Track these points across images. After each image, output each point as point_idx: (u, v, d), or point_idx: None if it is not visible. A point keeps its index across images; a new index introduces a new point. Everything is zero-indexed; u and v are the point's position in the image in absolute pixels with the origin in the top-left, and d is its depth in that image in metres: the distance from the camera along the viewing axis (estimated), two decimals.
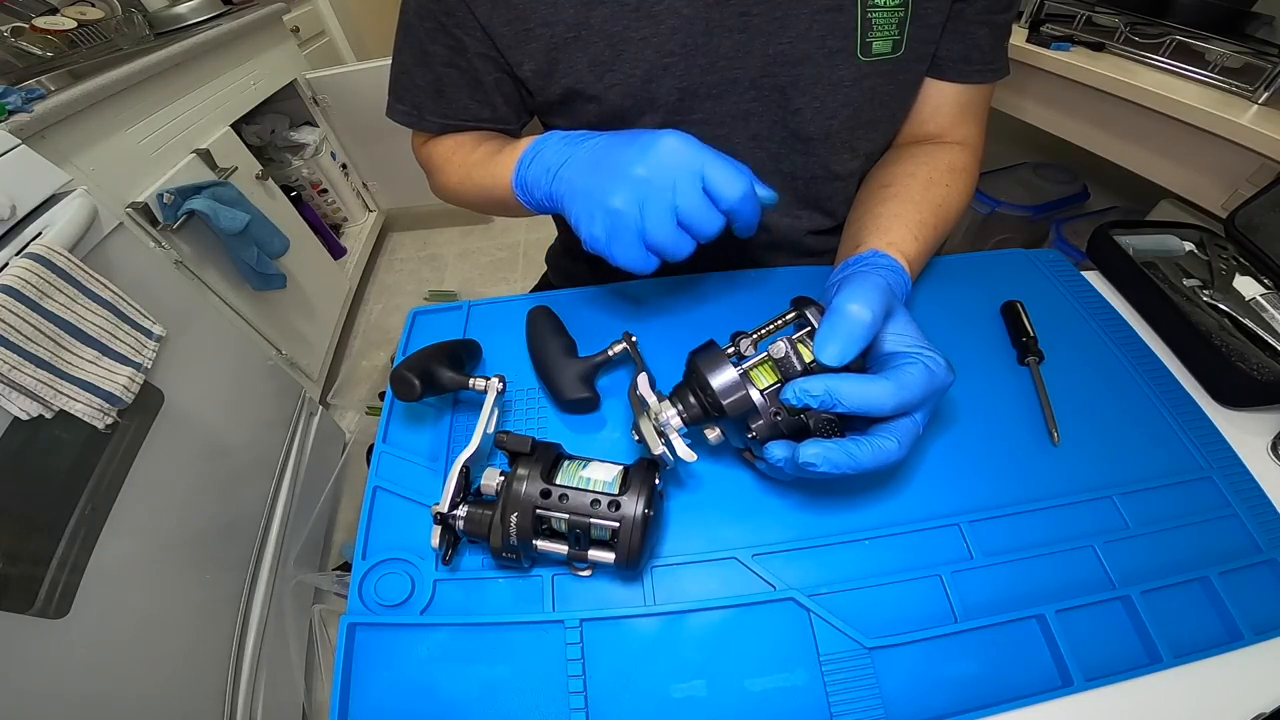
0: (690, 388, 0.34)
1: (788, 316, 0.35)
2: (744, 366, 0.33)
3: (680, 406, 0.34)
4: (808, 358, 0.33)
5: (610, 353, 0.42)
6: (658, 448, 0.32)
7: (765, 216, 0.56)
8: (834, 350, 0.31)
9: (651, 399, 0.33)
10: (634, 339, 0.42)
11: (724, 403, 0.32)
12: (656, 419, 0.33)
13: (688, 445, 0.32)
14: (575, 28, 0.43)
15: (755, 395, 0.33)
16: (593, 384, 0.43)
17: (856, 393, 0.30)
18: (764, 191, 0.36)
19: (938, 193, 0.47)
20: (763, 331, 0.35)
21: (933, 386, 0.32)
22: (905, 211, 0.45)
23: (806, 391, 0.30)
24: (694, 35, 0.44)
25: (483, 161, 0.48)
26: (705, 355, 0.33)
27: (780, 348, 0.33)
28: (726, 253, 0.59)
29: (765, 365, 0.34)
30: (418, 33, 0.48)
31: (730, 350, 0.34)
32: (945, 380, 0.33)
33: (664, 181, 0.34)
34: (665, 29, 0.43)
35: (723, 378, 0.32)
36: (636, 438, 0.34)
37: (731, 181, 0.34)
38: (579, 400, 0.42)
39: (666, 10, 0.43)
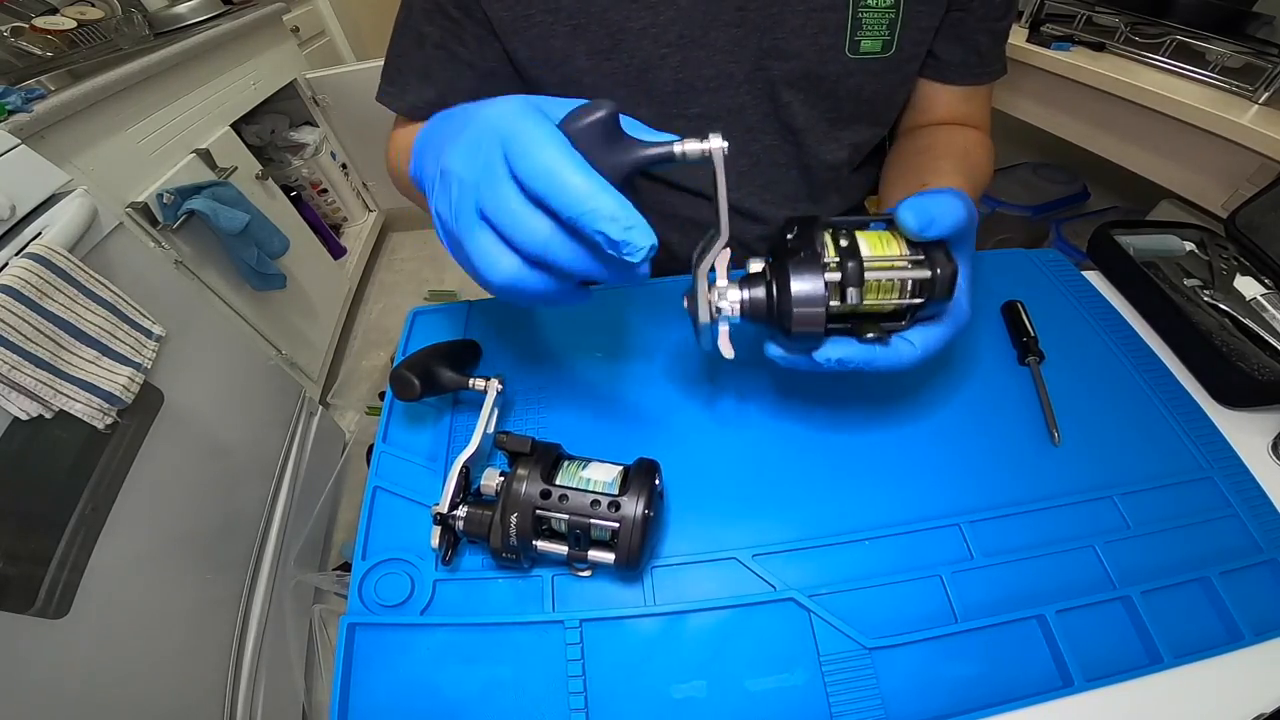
0: (768, 281, 0.30)
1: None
2: (833, 279, 0.28)
3: (746, 297, 0.30)
4: (876, 250, 0.29)
5: (678, 150, 0.25)
6: (705, 315, 0.30)
7: (762, 208, 0.57)
8: (919, 222, 0.28)
9: (722, 276, 0.29)
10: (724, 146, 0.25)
11: (793, 321, 0.28)
12: (716, 298, 0.30)
13: (730, 340, 0.30)
14: (575, 15, 0.44)
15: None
16: (630, 183, 0.27)
17: (887, 360, 0.31)
18: (663, 135, 0.26)
19: (974, 156, 0.50)
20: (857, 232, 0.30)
21: (952, 337, 0.32)
22: (958, 168, 0.47)
23: (844, 363, 0.30)
24: (691, 27, 0.44)
25: (407, 152, 0.42)
26: (800, 257, 0.28)
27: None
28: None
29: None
30: (416, 14, 0.48)
31: (830, 259, 0.29)
32: (964, 326, 0.33)
33: (470, 169, 0.25)
34: (664, 19, 0.44)
35: (809, 290, 0.28)
36: (685, 304, 0.31)
37: (535, 154, 0.23)
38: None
39: (665, 1, 0.43)
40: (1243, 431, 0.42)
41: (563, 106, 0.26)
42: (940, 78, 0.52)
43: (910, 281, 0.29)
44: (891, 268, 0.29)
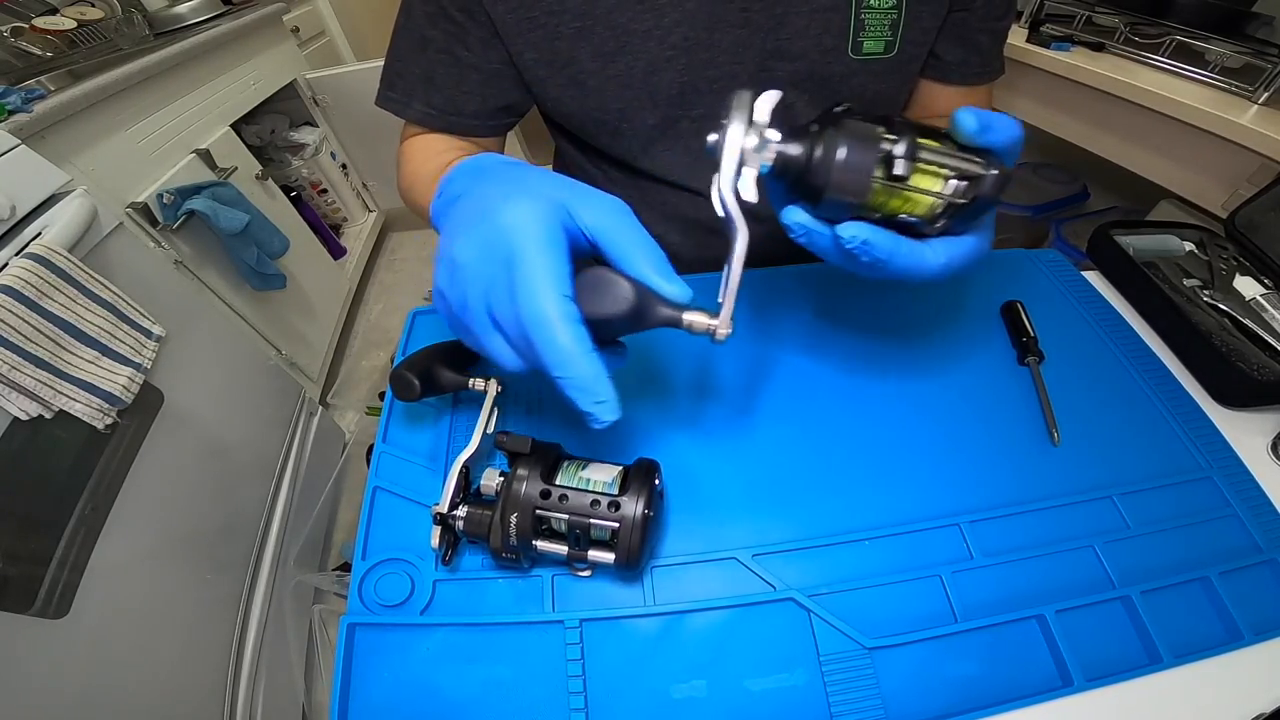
0: (812, 135, 0.27)
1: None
2: (884, 148, 0.26)
3: (785, 149, 0.27)
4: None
5: (686, 320, 0.28)
6: (732, 165, 0.27)
7: (766, 208, 0.56)
8: (979, 123, 0.26)
9: (764, 119, 0.27)
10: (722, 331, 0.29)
11: (831, 179, 0.26)
12: (748, 140, 0.27)
13: (752, 184, 0.27)
14: (580, 17, 0.44)
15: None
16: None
17: (910, 260, 0.28)
18: (669, 288, 0.27)
19: None
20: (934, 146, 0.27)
21: (976, 259, 0.30)
22: None
23: (868, 246, 0.27)
24: (696, 29, 0.44)
25: (424, 180, 0.47)
26: (855, 125, 0.26)
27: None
28: (722, 250, 0.59)
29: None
30: (418, 16, 0.47)
31: (887, 135, 0.26)
32: (987, 251, 0.31)
33: (479, 271, 0.26)
34: (669, 21, 0.44)
35: (855, 156, 0.26)
36: (711, 140, 0.28)
37: (526, 288, 0.24)
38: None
39: (670, 3, 0.43)
40: (1242, 431, 0.42)
41: (594, 201, 0.27)
42: (941, 78, 0.52)
43: (958, 178, 0.27)
44: (945, 154, 0.27)
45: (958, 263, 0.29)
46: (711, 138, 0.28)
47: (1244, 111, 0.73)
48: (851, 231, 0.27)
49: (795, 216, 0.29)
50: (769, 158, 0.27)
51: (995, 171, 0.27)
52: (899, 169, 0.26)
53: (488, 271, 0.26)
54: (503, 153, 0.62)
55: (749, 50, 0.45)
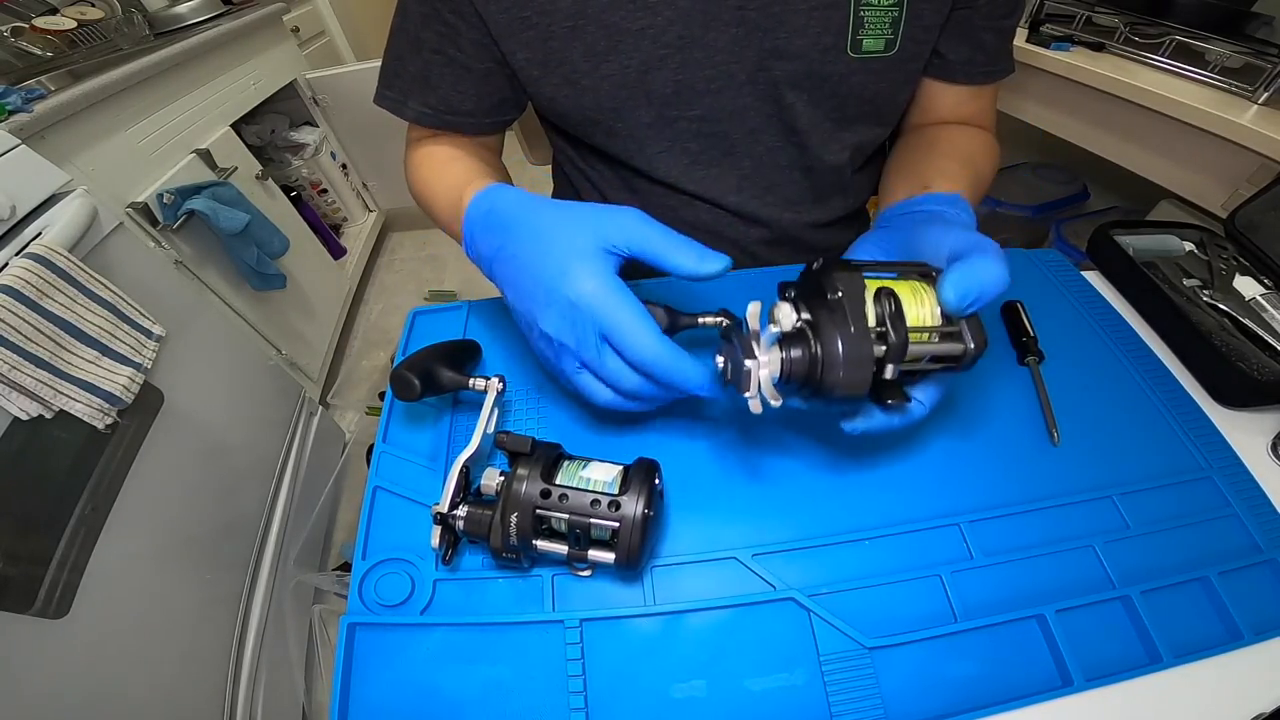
0: (810, 345, 0.29)
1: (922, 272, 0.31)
2: (878, 353, 0.28)
3: (786, 357, 0.30)
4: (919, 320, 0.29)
5: (701, 321, 0.37)
6: (751, 388, 0.30)
7: (764, 211, 0.57)
8: (959, 297, 0.28)
9: (762, 347, 0.30)
10: (727, 322, 0.36)
11: (839, 394, 0.28)
12: (755, 367, 0.30)
13: (762, 399, 0.30)
14: (572, 17, 0.43)
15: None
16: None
17: (903, 421, 0.33)
18: (710, 267, 0.33)
19: (979, 160, 0.50)
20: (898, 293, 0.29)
21: (946, 397, 0.34)
22: (962, 171, 0.47)
23: (855, 428, 0.33)
24: (691, 28, 0.44)
25: (440, 195, 0.49)
26: (845, 329, 0.28)
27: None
28: (724, 250, 0.59)
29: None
30: (413, 17, 0.48)
31: (877, 327, 0.28)
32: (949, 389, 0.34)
33: (570, 339, 0.33)
34: (662, 20, 0.43)
35: (856, 364, 0.28)
36: (719, 363, 0.32)
37: (633, 343, 0.32)
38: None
39: (663, 2, 0.43)
40: (1242, 431, 0.42)
41: (619, 224, 0.33)
42: (945, 76, 0.51)
43: (939, 358, 0.30)
44: (927, 341, 0.29)
45: (938, 402, 0.34)
46: (719, 361, 0.33)
47: (1244, 111, 0.73)
48: (852, 426, 0.33)
49: (796, 404, 0.33)
50: (774, 376, 0.30)
51: (972, 347, 0.29)
52: (890, 373, 0.29)
53: (575, 336, 0.33)
54: (503, 148, 0.62)
55: (746, 49, 0.45)
